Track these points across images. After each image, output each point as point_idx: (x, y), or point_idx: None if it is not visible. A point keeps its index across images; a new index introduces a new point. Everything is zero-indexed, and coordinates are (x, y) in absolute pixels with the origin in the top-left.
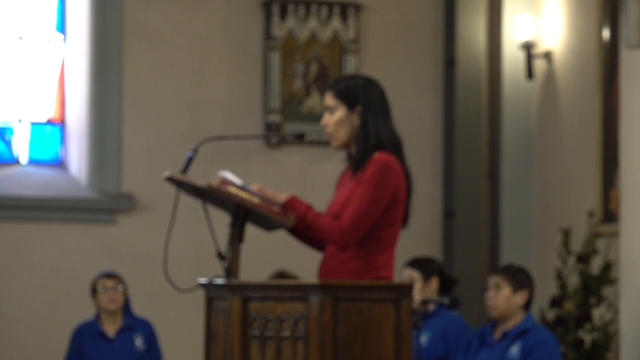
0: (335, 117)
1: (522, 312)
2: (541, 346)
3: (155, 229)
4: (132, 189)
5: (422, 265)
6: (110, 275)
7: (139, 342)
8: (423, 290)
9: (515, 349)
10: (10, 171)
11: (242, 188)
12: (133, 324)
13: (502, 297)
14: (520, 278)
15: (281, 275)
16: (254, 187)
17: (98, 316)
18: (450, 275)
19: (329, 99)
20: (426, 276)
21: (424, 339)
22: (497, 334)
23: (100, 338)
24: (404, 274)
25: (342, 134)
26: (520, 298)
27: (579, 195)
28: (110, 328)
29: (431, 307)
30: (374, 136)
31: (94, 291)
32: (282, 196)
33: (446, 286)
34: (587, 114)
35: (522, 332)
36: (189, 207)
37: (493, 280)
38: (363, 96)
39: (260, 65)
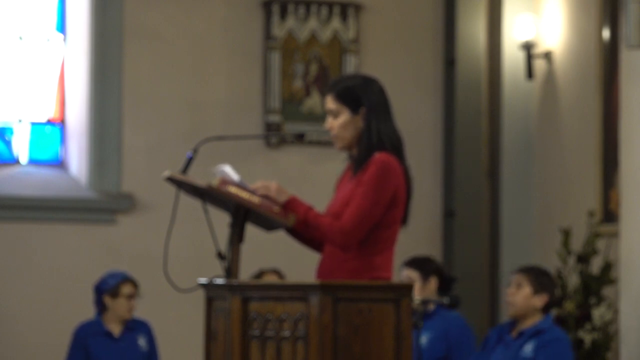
0: (340, 121)
1: (539, 314)
2: (552, 344)
3: (155, 229)
4: (132, 189)
5: (420, 264)
6: (133, 282)
7: (142, 342)
8: (422, 290)
9: (529, 348)
10: (10, 171)
11: (240, 184)
12: (135, 324)
13: (521, 296)
14: (542, 281)
15: (260, 275)
16: (257, 184)
17: (101, 315)
18: (448, 274)
19: (331, 103)
20: (425, 276)
21: (424, 339)
22: (514, 332)
23: (106, 338)
24: (402, 274)
25: (348, 136)
26: (539, 300)
27: (579, 195)
28: (116, 328)
29: (431, 307)
30: (376, 137)
31: (114, 294)
32: (285, 193)
33: (445, 285)
34: (587, 114)
35: (537, 332)
36: (189, 207)
37: (516, 278)
38: (365, 97)
39: (260, 65)
